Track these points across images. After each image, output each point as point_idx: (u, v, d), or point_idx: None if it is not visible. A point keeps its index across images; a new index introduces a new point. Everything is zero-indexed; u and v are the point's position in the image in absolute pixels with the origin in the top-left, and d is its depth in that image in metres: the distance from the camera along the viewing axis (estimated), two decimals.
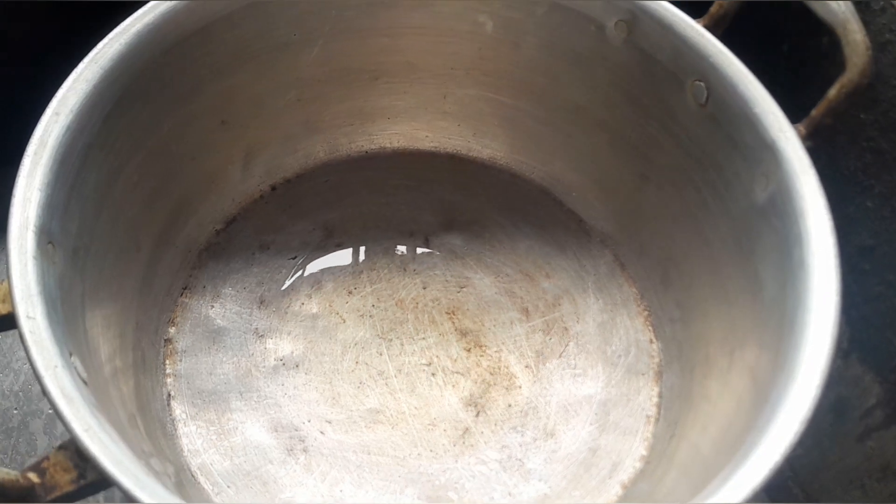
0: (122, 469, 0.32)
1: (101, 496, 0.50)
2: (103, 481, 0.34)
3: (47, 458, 0.34)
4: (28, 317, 0.35)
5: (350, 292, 0.54)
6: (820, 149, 0.43)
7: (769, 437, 0.36)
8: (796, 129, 0.43)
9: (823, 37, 0.57)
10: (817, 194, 0.41)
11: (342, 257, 0.55)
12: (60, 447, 0.34)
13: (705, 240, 0.48)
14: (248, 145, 0.54)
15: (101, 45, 0.43)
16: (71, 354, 0.36)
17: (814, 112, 0.44)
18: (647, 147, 0.51)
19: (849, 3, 0.43)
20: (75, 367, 0.36)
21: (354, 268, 0.55)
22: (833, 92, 0.43)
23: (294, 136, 0.56)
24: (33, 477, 0.34)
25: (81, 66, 0.42)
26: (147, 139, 0.47)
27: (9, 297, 0.36)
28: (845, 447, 0.58)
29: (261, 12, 0.49)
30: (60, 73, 0.42)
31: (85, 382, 0.36)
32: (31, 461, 0.51)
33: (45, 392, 0.34)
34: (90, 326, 0.42)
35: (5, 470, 0.33)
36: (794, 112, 0.44)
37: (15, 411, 0.53)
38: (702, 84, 0.45)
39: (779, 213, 0.42)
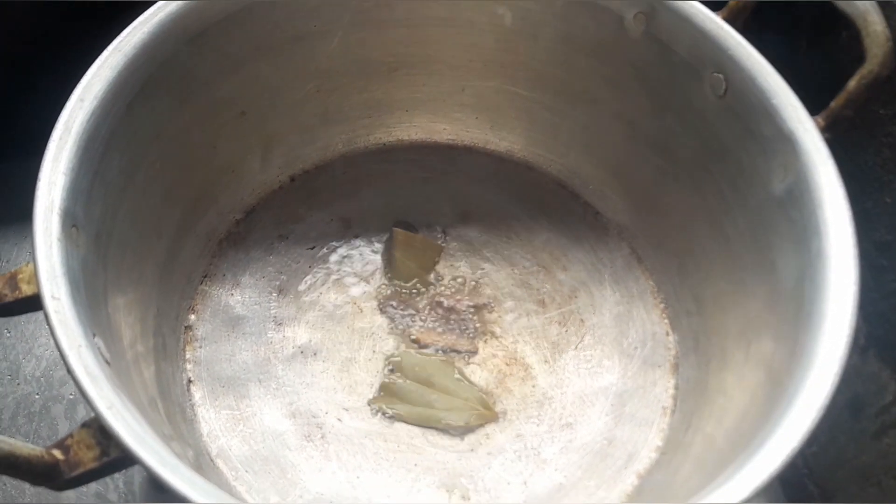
0: (145, 447, 0.33)
1: (119, 480, 0.51)
2: (126, 459, 0.34)
3: (71, 435, 0.35)
4: (53, 297, 0.35)
5: (367, 283, 0.54)
6: (837, 144, 0.43)
7: (783, 428, 0.35)
8: (815, 120, 0.43)
9: (843, 30, 0.57)
10: (836, 184, 0.41)
11: (360, 248, 0.56)
12: (84, 425, 0.35)
13: (723, 232, 0.48)
14: (267, 136, 0.55)
15: (124, 33, 0.44)
16: (94, 335, 0.37)
17: (833, 104, 0.44)
18: (665, 139, 0.51)
19: None
20: (98, 348, 0.36)
21: (371, 259, 0.55)
22: (853, 83, 0.43)
23: (313, 127, 0.57)
24: (57, 454, 0.34)
25: (106, 53, 0.43)
26: (168, 128, 0.47)
27: (34, 278, 0.36)
28: (861, 444, 0.57)
29: (281, 3, 0.49)
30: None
31: (108, 363, 0.37)
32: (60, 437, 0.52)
33: (69, 370, 0.34)
34: (112, 311, 0.42)
35: (30, 446, 0.33)
36: (813, 104, 0.44)
37: (37, 396, 0.54)
38: (720, 76, 0.45)
39: (797, 204, 0.42)
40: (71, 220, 0.38)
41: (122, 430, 0.33)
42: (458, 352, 0.52)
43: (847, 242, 0.39)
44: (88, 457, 0.34)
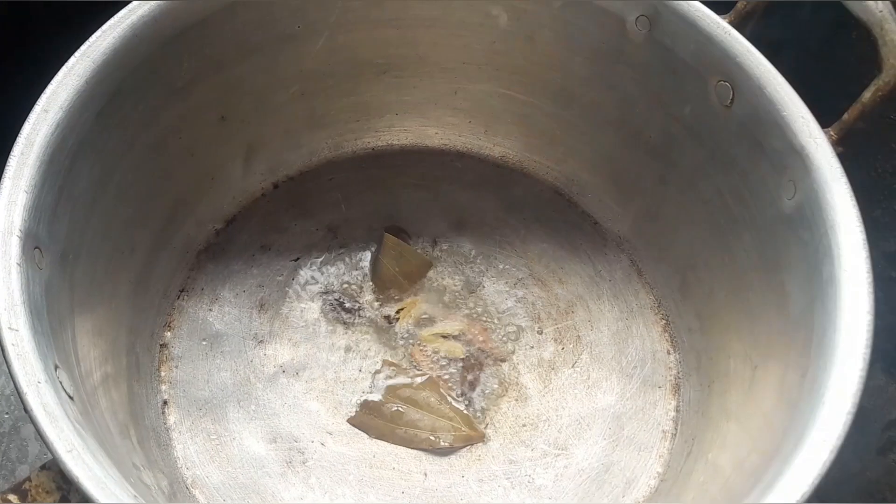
0: (106, 493, 0.31)
1: None
2: None
3: (29, 479, 0.32)
4: (10, 328, 0.33)
5: (354, 297, 0.52)
6: (843, 158, 0.41)
7: (795, 468, 0.34)
8: (826, 133, 0.41)
9: (853, 30, 0.55)
10: (849, 205, 0.38)
11: (346, 259, 0.53)
12: (43, 467, 0.33)
13: (728, 248, 0.46)
14: (249, 141, 0.52)
15: (93, 38, 0.41)
16: (56, 368, 0.34)
17: (846, 116, 0.42)
18: (668, 148, 0.49)
19: (887, 3, 0.40)
20: (60, 382, 0.34)
21: (359, 271, 0.53)
22: (867, 95, 0.41)
23: (297, 131, 0.54)
24: (14, 500, 0.32)
25: (72, 60, 0.40)
26: (142, 136, 0.45)
27: None
28: (866, 460, 0.56)
29: (263, 3, 0.47)
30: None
31: (71, 397, 0.34)
32: (22, 469, 0.50)
33: (26, 409, 0.32)
34: (79, 332, 0.40)
35: None
36: (823, 116, 0.41)
37: (6, 416, 0.51)
38: (727, 84, 0.43)
39: (807, 224, 0.40)
40: (33, 242, 0.36)
41: (83, 475, 0.31)
42: (449, 371, 0.50)
43: (861, 269, 0.37)
44: (48, 500, 0.32)
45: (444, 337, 0.51)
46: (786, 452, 0.35)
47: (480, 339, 0.51)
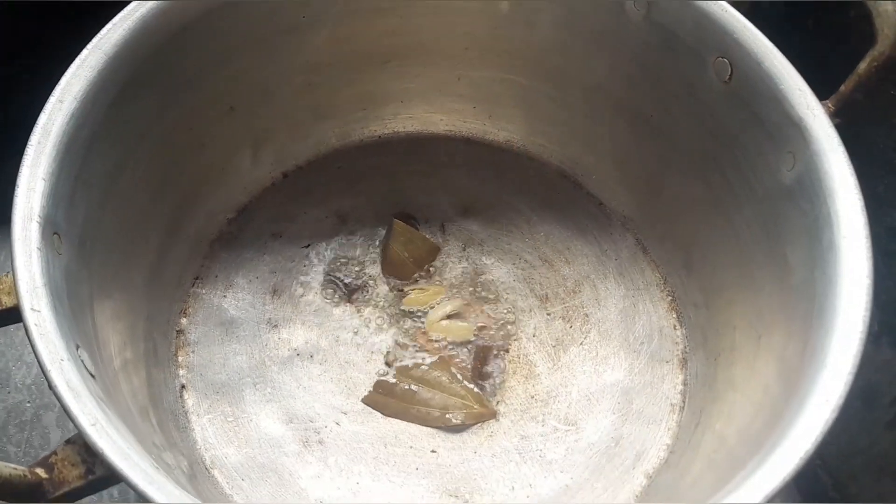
0: (130, 464, 0.32)
1: (115, 489, 0.49)
2: (112, 477, 0.33)
3: (55, 452, 0.34)
4: (33, 309, 0.34)
5: (364, 281, 0.53)
6: (847, 126, 0.41)
7: (797, 429, 0.34)
8: (824, 105, 0.41)
9: (851, 9, 0.55)
10: (847, 173, 0.39)
11: (356, 245, 0.54)
12: (68, 441, 0.34)
13: (730, 223, 0.47)
14: (256, 132, 0.53)
15: (104, 30, 0.42)
16: (78, 347, 0.35)
17: (842, 87, 0.42)
18: (669, 127, 0.49)
19: None
20: (82, 361, 0.35)
21: (368, 256, 0.54)
22: (863, 66, 0.42)
23: (304, 122, 0.55)
24: (41, 472, 0.33)
25: (85, 52, 0.41)
26: (153, 127, 0.46)
27: (13, 289, 0.35)
28: (874, 434, 0.56)
29: None
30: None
31: (92, 376, 0.35)
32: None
33: (51, 386, 0.33)
34: (98, 318, 0.41)
35: (12, 466, 0.32)
36: (820, 88, 0.42)
37: (28, 404, 0.52)
38: (725, 60, 0.44)
39: (807, 195, 0.40)
40: (52, 227, 0.37)
41: (107, 447, 0.32)
42: (459, 350, 0.51)
43: (860, 234, 0.38)
44: (73, 475, 0.33)
45: (451, 318, 0.51)
46: (789, 416, 0.36)
47: (489, 319, 0.52)
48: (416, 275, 0.53)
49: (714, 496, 0.35)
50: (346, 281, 0.53)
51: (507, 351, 0.51)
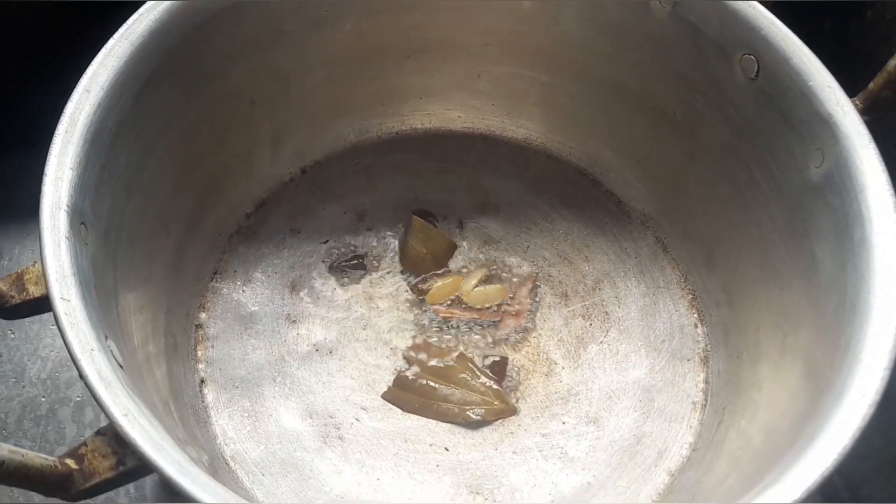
0: (163, 455, 0.31)
1: (132, 489, 0.49)
2: (143, 468, 0.32)
3: (85, 443, 0.33)
4: (63, 298, 0.34)
5: (383, 277, 0.53)
6: (869, 126, 0.41)
7: (832, 426, 0.34)
8: (853, 102, 0.41)
9: (868, 10, 0.55)
10: (878, 169, 0.39)
11: (374, 240, 0.54)
12: (98, 432, 0.33)
13: (755, 220, 0.47)
14: (277, 126, 0.53)
15: (130, 20, 0.42)
16: (106, 337, 0.35)
17: (872, 85, 0.42)
18: (693, 124, 0.49)
19: None
20: (111, 351, 0.35)
21: (387, 252, 0.54)
22: (893, 63, 0.41)
23: (324, 117, 0.55)
24: (71, 463, 0.33)
25: (111, 42, 0.41)
26: (177, 119, 0.46)
27: (42, 278, 0.35)
28: (889, 436, 0.56)
29: None
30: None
31: (121, 366, 0.35)
32: (60, 450, 0.50)
33: (81, 375, 0.32)
34: (123, 311, 0.40)
35: (43, 456, 0.32)
36: (847, 87, 0.42)
37: (43, 399, 0.52)
38: (752, 57, 0.44)
39: (836, 190, 0.40)
40: (79, 217, 0.37)
41: (139, 438, 0.31)
42: (479, 347, 0.50)
43: (893, 230, 0.38)
44: (104, 466, 0.33)
45: (481, 284, 0.52)
46: (822, 413, 0.35)
47: (510, 316, 0.52)
48: (434, 272, 0.53)
49: (744, 496, 0.35)
50: (365, 277, 0.53)
51: (530, 339, 0.51)
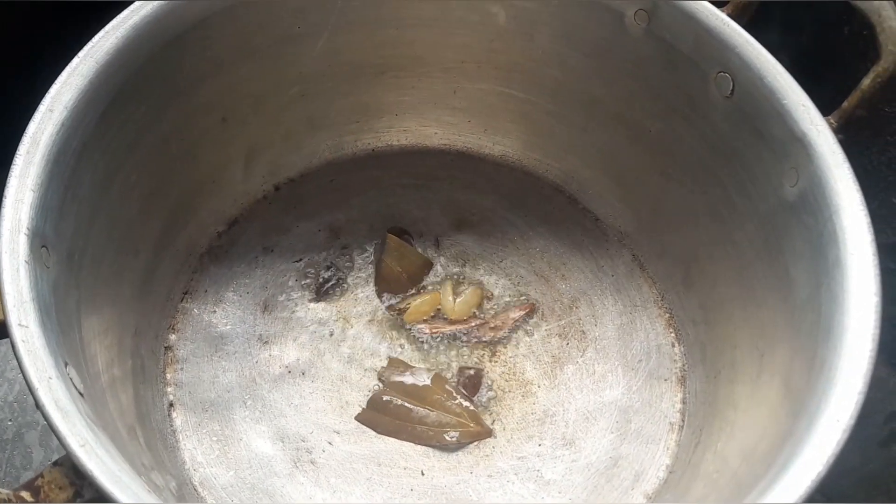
0: (121, 487, 0.30)
1: None
2: (102, 500, 0.31)
3: (41, 475, 0.32)
4: (20, 325, 0.33)
5: (357, 296, 0.52)
6: (843, 145, 0.41)
7: (808, 450, 0.34)
8: (827, 121, 0.41)
9: (845, 26, 0.55)
10: (853, 189, 0.39)
11: (349, 260, 0.53)
12: (56, 463, 0.32)
13: (731, 239, 0.46)
14: (249, 143, 0.52)
15: (96, 38, 0.41)
16: (66, 364, 0.34)
17: (846, 103, 0.42)
18: (669, 142, 0.49)
19: None
20: (71, 378, 0.34)
21: (362, 271, 0.53)
22: (867, 82, 0.41)
23: (297, 133, 0.54)
24: (26, 496, 0.32)
25: (76, 60, 0.40)
26: (144, 137, 0.45)
27: (0, 304, 0.34)
28: (868, 452, 0.56)
29: (263, 4, 0.47)
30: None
31: (81, 394, 0.34)
32: (27, 475, 0.49)
33: (38, 405, 0.32)
34: (86, 333, 0.39)
35: None
36: (818, 102, 0.42)
37: (9, 423, 0.51)
38: (727, 75, 0.43)
39: (811, 210, 0.40)
40: (40, 241, 0.36)
41: (97, 470, 0.31)
42: (454, 368, 0.50)
43: (867, 251, 0.37)
44: (60, 498, 0.32)
45: (458, 295, 0.51)
46: (797, 436, 0.35)
47: (485, 335, 0.51)
48: (409, 291, 0.52)
49: None
50: (338, 296, 0.52)
51: (505, 359, 0.50)
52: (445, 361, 0.50)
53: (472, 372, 0.49)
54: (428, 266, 0.53)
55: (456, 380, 0.49)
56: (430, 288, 0.53)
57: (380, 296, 0.52)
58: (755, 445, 0.40)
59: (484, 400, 0.49)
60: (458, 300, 0.52)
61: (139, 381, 0.45)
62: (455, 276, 0.53)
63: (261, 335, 0.50)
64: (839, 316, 0.36)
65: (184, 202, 0.50)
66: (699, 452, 0.45)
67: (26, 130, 0.38)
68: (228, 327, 0.50)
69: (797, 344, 0.40)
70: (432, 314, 0.51)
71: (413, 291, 0.52)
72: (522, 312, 0.51)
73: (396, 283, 0.52)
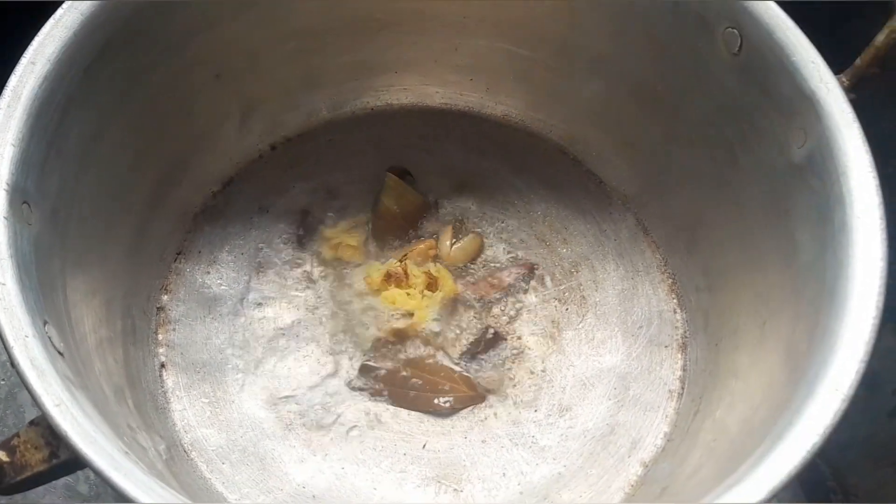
0: (95, 448, 0.30)
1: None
2: (77, 461, 0.31)
3: (17, 435, 0.32)
4: None
5: (354, 258, 0.51)
6: (855, 105, 0.39)
7: (804, 419, 0.33)
8: (838, 79, 0.39)
9: None
10: (862, 150, 0.37)
11: (346, 221, 0.52)
12: (32, 423, 0.32)
13: (736, 202, 0.45)
14: (244, 101, 0.51)
15: None
16: (45, 323, 0.34)
17: (858, 61, 0.40)
18: (675, 100, 0.47)
19: None
20: (50, 338, 0.33)
21: (360, 230, 0.52)
22: (881, 38, 0.40)
23: (294, 91, 0.53)
24: (2, 455, 0.31)
25: (60, 11, 0.39)
26: (134, 94, 0.44)
27: None
28: (876, 423, 0.55)
29: None
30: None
31: (61, 354, 0.34)
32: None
33: (13, 363, 0.31)
34: (71, 294, 0.39)
35: None
36: (833, 62, 0.40)
37: (2, 382, 0.51)
38: (735, 31, 0.42)
39: (818, 172, 0.38)
40: (21, 196, 0.35)
41: (71, 430, 0.30)
42: (452, 330, 0.49)
43: (874, 215, 0.36)
44: (36, 458, 0.32)
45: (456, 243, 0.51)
46: (796, 404, 0.34)
47: (484, 300, 0.50)
48: (405, 234, 0.51)
49: (715, 489, 0.33)
50: (334, 257, 0.51)
51: (503, 324, 0.49)
52: (441, 324, 0.49)
53: (469, 336, 0.49)
54: (425, 207, 0.52)
55: (452, 344, 0.48)
56: (425, 235, 0.52)
57: (376, 239, 0.51)
58: (753, 414, 0.39)
59: (479, 365, 0.48)
60: (455, 245, 0.51)
61: (129, 343, 0.45)
62: (458, 219, 0.52)
63: (255, 297, 0.49)
64: (843, 282, 0.35)
65: (177, 161, 0.49)
66: (698, 420, 0.45)
67: (7, 84, 0.37)
68: (222, 288, 0.49)
69: (800, 311, 0.39)
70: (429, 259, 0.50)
71: (411, 235, 0.51)
72: (522, 271, 0.50)
73: (392, 222, 0.51)
